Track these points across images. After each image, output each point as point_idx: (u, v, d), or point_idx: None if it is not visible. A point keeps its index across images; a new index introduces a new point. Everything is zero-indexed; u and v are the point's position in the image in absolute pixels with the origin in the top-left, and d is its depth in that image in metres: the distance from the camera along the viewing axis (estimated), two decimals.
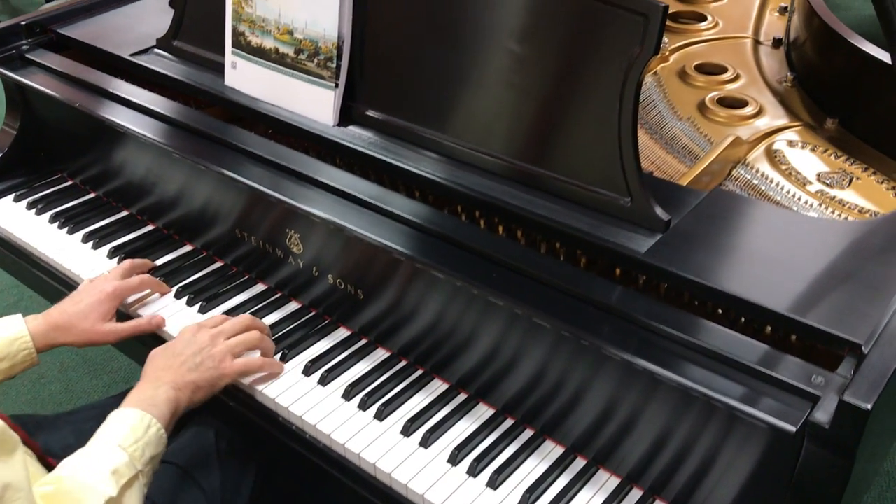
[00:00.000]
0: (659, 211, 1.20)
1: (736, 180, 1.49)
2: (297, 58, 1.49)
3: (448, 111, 1.37)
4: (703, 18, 2.03)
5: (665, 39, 1.86)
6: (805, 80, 1.78)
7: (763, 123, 1.66)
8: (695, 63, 1.83)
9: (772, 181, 1.49)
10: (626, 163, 1.21)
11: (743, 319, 1.14)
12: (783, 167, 1.53)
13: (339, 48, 1.44)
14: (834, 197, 1.45)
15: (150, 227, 1.72)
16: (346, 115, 1.48)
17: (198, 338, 1.32)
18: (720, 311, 1.16)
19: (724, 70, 1.82)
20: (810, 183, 1.49)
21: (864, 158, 1.55)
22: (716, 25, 2.01)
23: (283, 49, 1.51)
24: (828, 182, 1.49)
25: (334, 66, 1.45)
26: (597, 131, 1.23)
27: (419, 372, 1.35)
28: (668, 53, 1.87)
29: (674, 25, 1.99)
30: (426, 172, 1.34)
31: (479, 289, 1.20)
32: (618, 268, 1.23)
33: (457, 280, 1.22)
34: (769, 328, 1.13)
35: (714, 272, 1.13)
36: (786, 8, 2.09)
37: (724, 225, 1.21)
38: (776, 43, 1.94)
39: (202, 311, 1.49)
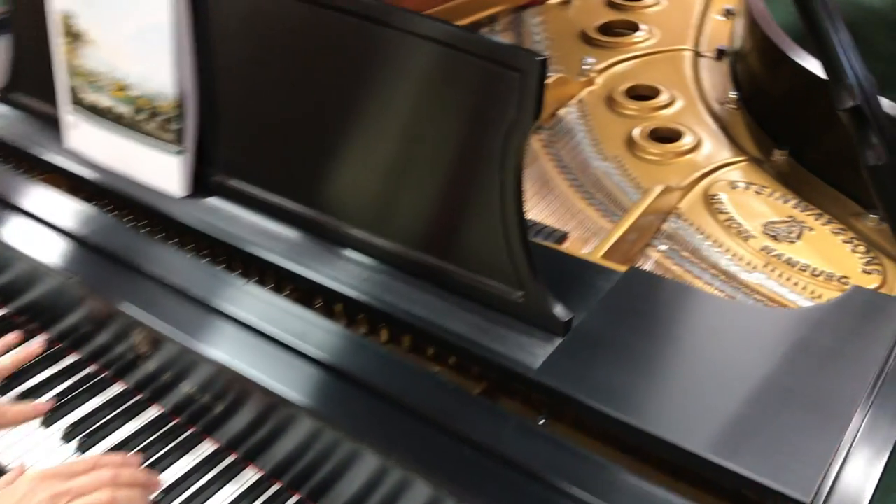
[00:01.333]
0: (559, 310, 0.95)
1: (667, 238, 1.24)
2: (136, 118, 1.23)
3: (313, 182, 1.12)
4: (636, 29, 1.78)
5: (591, 60, 1.61)
6: (750, 101, 1.54)
7: (701, 158, 1.42)
8: (625, 86, 1.59)
9: (708, 237, 1.24)
10: (513, 249, 0.96)
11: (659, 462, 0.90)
12: (723, 217, 1.28)
13: (181, 107, 1.19)
14: (781, 255, 1.21)
15: None
16: (203, 185, 1.23)
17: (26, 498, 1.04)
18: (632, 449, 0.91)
19: (658, 93, 1.57)
20: (754, 237, 1.25)
21: (817, 199, 1.31)
22: (651, 36, 1.76)
23: (121, 108, 1.25)
24: (775, 235, 1.24)
25: (176, 127, 1.20)
26: (476, 211, 0.98)
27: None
28: (595, 75, 1.62)
29: (603, 40, 1.74)
30: (283, 259, 1.09)
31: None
32: (509, 385, 0.99)
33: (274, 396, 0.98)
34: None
35: (621, 397, 0.88)
36: (731, 10, 1.84)
37: (639, 324, 0.97)
38: (719, 54, 1.69)
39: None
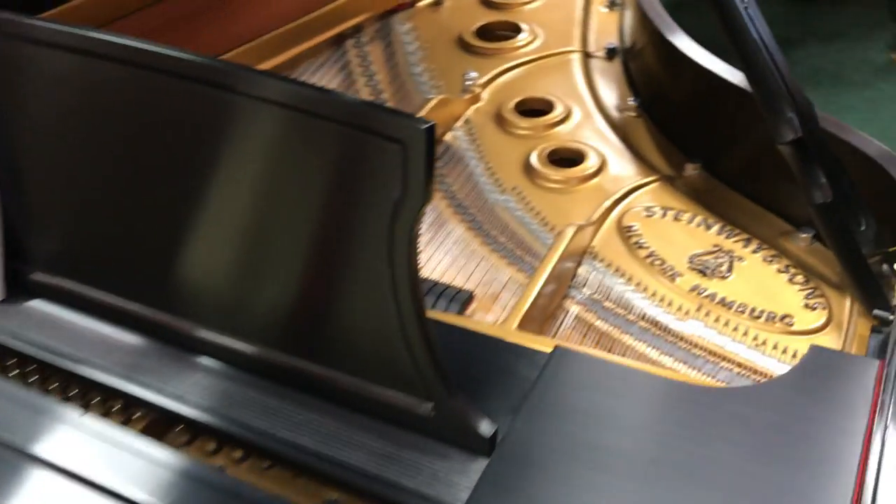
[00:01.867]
0: (480, 424, 0.77)
1: (586, 286, 1.08)
2: None
3: (156, 276, 0.89)
4: (518, 30, 1.60)
5: (473, 73, 1.43)
6: (652, 106, 1.39)
7: (609, 183, 1.26)
8: (514, 101, 1.41)
9: (630, 280, 1.09)
10: (415, 350, 0.77)
11: None
12: (643, 254, 1.13)
13: None
14: (714, 295, 1.06)
15: None
16: (19, 287, 0.98)
17: None
18: None
19: (552, 106, 1.40)
20: (681, 275, 1.10)
21: (741, 220, 1.16)
22: (534, 38, 1.59)
23: None
24: (703, 270, 1.10)
25: None
26: (365, 306, 0.78)
27: None
28: (479, 90, 1.44)
29: (482, 46, 1.56)
30: (123, 380, 0.86)
31: None
32: None
33: None
34: None
35: None
36: (615, 0, 1.69)
37: (576, 428, 0.79)
38: (610, 53, 1.54)
39: None
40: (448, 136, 1.36)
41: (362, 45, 1.58)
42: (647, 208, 1.19)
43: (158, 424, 0.86)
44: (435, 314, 0.97)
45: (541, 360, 0.87)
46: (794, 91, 0.83)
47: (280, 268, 0.81)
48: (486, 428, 0.77)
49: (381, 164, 0.72)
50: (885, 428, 0.76)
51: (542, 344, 0.92)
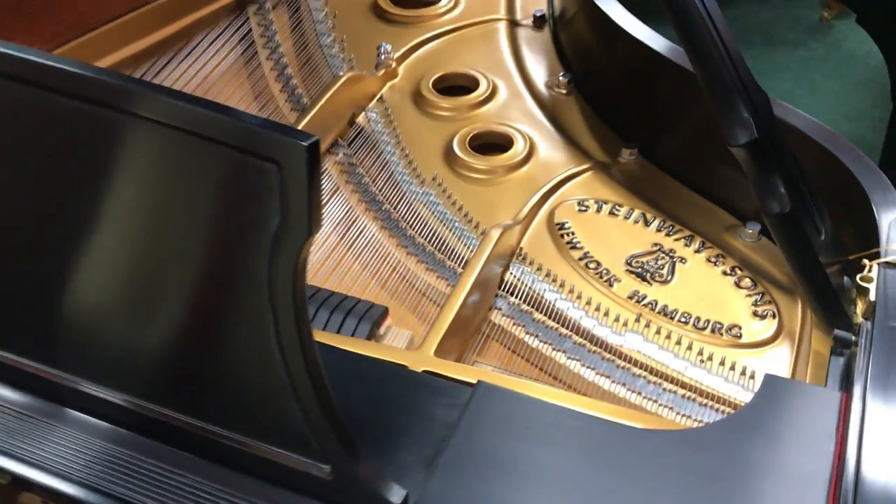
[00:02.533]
0: (388, 489, 0.65)
1: (514, 295, 0.96)
2: None
3: (34, 322, 0.74)
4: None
5: (387, 46, 1.28)
6: (584, 83, 1.26)
7: (538, 170, 1.13)
8: (433, 77, 1.27)
9: (562, 286, 0.97)
10: (306, 405, 0.64)
11: None
12: (576, 255, 1.01)
13: None
14: (655, 304, 0.95)
15: None
16: None
17: None
18: None
19: (475, 83, 1.26)
20: (618, 280, 0.98)
21: (682, 213, 1.05)
22: (455, 5, 1.44)
23: None
24: (642, 274, 0.99)
25: None
26: (246, 350, 0.65)
27: None
28: (395, 65, 1.29)
29: (398, 14, 1.40)
30: None
31: None
32: None
33: None
34: None
35: None
36: None
37: (497, 487, 0.68)
38: (538, 21, 1.40)
39: None
40: (361, 118, 1.21)
41: (265, 11, 1.41)
42: (581, 202, 1.07)
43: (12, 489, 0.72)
44: (340, 341, 0.84)
45: (461, 397, 0.75)
46: (749, 84, 0.71)
47: (161, 310, 0.67)
48: (394, 494, 0.64)
49: (257, 188, 0.58)
50: (857, 472, 0.66)
51: (463, 373, 0.81)
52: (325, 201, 1.09)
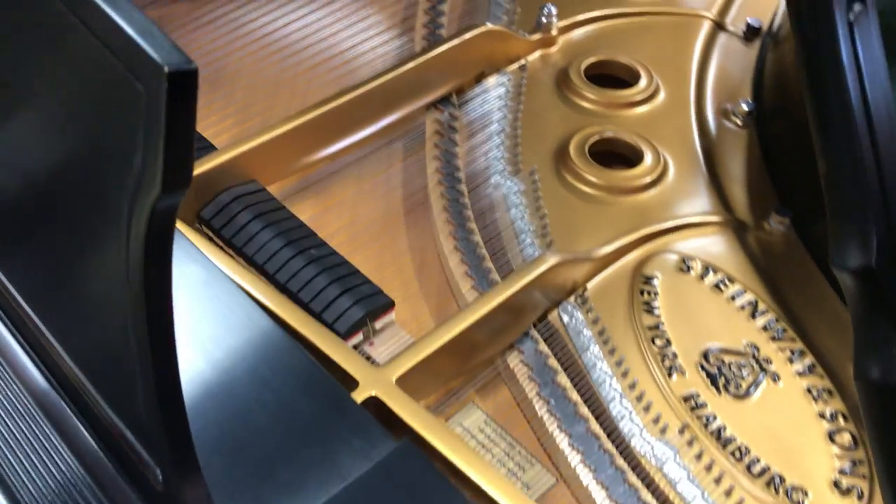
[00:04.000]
0: None
1: (549, 343, 0.75)
2: None
3: None
4: None
5: (552, 9, 1.07)
6: (768, 119, 1.00)
7: (657, 204, 0.90)
8: (590, 60, 1.05)
9: (611, 355, 0.76)
10: (146, 393, 0.50)
11: None
12: (648, 322, 0.78)
13: None
14: (710, 420, 0.71)
15: None
16: None
17: None
18: None
19: (636, 78, 1.04)
20: (682, 372, 0.76)
21: (810, 321, 0.79)
22: None
23: None
24: (717, 378, 0.74)
25: None
26: (104, 296, 0.51)
27: None
28: (556, 33, 1.08)
29: None
30: None
31: None
32: None
33: None
34: None
35: None
36: None
37: None
38: (749, 33, 1.13)
39: None
40: (490, 80, 1.03)
41: None
42: (686, 259, 0.84)
43: None
44: (301, 323, 0.69)
45: (380, 449, 0.58)
46: (891, 188, 0.46)
47: (31, 209, 0.55)
48: None
49: (125, 109, 0.43)
50: None
51: (413, 418, 0.63)
52: (397, 160, 0.94)
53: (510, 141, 0.95)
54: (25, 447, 0.60)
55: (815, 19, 0.51)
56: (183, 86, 0.38)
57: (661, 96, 1.02)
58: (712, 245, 0.86)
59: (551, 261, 0.76)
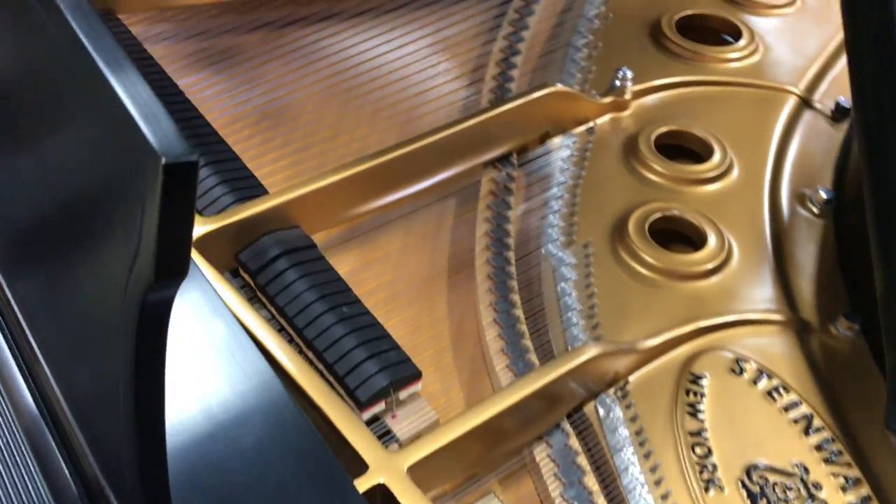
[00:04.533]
0: None
1: (580, 439, 0.70)
2: None
3: None
4: (736, 35, 1.15)
5: (627, 73, 1.02)
6: (848, 210, 0.92)
7: (714, 295, 0.84)
8: (663, 129, 1.00)
9: (646, 459, 0.70)
10: (129, 466, 0.47)
11: None
12: (689, 427, 0.73)
13: None
14: None
15: None
16: None
17: None
18: None
19: (709, 153, 0.98)
20: (720, 488, 0.69)
21: (869, 444, 0.73)
22: (750, 54, 1.13)
23: None
24: (757, 499, 0.68)
25: None
26: (102, 352, 0.49)
27: None
28: (629, 98, 1.03)
29: (679, 44, 1.12)
30: None
31: None
32: None
33: None
34: None
35: None
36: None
37: None
38: (838, 114, 1.06)
39: None
40: (555, 141, 0.98)
41: None
42: (740, 360, 0.77)
43: None
44: (318, 392, 0.66)
45: None
46: None
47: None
48: None
49: (127, 188, 0.40)
50: None
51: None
52: (448, 217, 0.90)
53: (567, 209, 0.90)
54: (4, 475, 0.58)
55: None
56: (181, 178, 0.35)
57: (734, 174, 0.96)
58: (771, 346, 0.79)
59: (594, 351, 0.71)
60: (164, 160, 0.35)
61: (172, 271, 0.38)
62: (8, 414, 0.60)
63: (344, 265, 0.86)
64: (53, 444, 0.57)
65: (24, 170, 0.54)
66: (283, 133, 1.00)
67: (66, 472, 0.56)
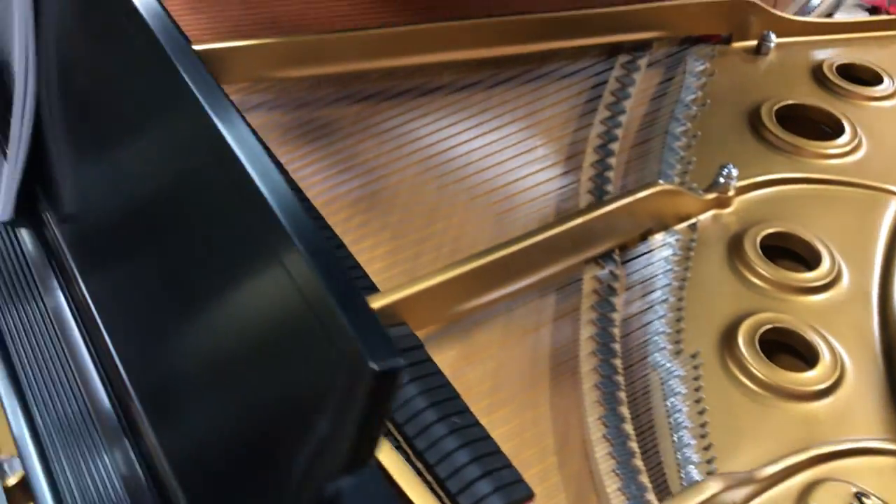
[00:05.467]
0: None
1: None
2: None
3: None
4: (838, 130, 1.12)
5: (732, 171, 1.00)
6: None
7: (826, 419, 0.81)
8: (768, 230, 0.97)
9: None
10: None
11: None
12: None
13: (4, 86, 0.72)
14: None
15: None
16: (30, 213, 0.78)
17: None
18: None
19: (816, 260, 0.95)
20: None
21: None
22: (854, 150, 1.11)
23: None
24: None
25: None
26: None
27: None
28: (733, 194, 1.01)
29: (779, 136, 1.10)
30: None
31: None
32: None
33: None
34: None
35: None
36: None
37: None
38: None
39: None
40: (657, 237, 0.96)
41: (635, 67, 1.19)
42: (861, 495, 0.74)
43: None
44: None
45: None
46: None
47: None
48: None
49: (324, 380, 0.39)
50: None
51: None
52: (548, 313, 0.88)
53: (673, 314, 0.88)
54: (75, 458, 0.60)
55: None
56: (387, 385, 0.34)
57: (844, 283, 0.93)
58: (893, 480, 0.76)
59: (715, 488, 0.68)
60: (375, 367, 0.34)
61: (360, 461, 0.37)
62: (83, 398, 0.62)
63: (443, 362, 0.85)
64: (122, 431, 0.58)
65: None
66: (379, 216, 0.99)
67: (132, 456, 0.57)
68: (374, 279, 0.86)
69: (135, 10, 0.53)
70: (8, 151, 0.74)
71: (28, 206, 0.79)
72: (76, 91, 0.69)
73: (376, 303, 0.79)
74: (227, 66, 1.06)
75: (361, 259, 0.90)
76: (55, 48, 0.70)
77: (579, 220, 0.89)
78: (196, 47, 1.04)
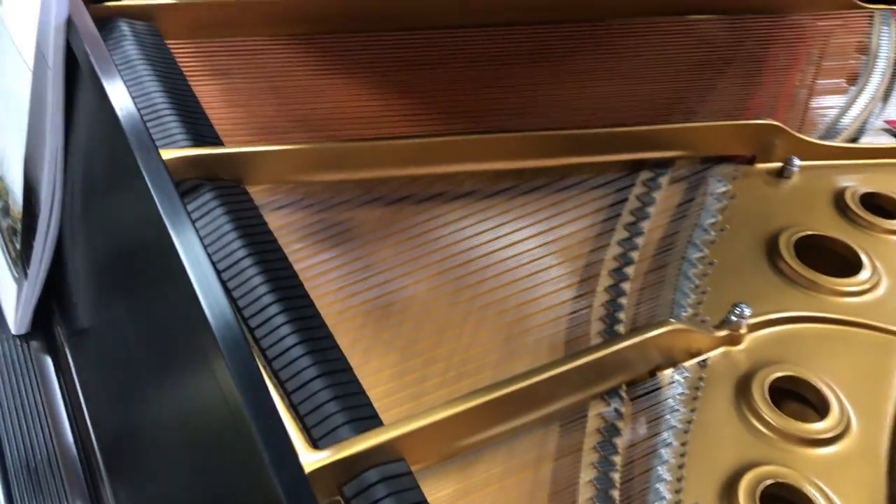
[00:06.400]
0: None
1: None
2: None
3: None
4: (856, 267, 1.11)
5: (746, 311, 0.99)
6: None
7: None
8: (777, 374, 0.96)
9: None
10: None
11: None
12: None
13: (30, 215, 0.74)
14: None
15: None
16: (44, 328, 0.79)
17: None
18: None
19: (825, 409, 0.93)
20: None
21: None
22: (872, 288, 1.09)
23: None
24: None
25: (18, 244, 0.76)
26: None
27: None
28: (743, 333, 1.00)
29: (796, 270, 1.08)
30: None
31: None
32: None
33: None
34: None
35: None
36: None
37: None
38: None
39: None
40: (666, 374, 0.96)
41: (656, 185, 1.20)
42: None
43: None
44: None
45: None
46: None
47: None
48: None
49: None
50: None
51: None
52: (551, 445, 0.87)
53: (675, 459, 0.87)
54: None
55: None
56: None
57: (852, 435, 0.91)
58: None
59: None
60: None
61: None
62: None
63: (440, 491, 0.84)
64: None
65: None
66: (389, 334, 0.99)
67: None
68: (376, 405, 0.86)
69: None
70: (26, 271, 0.76)
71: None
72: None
73: (375, 438, 0.78)
74: (255, 168, 1.08)
75: (366, 383, 0.90)
76: (80, 174, 0.72)
77: (589, 358, 0.89)
78: (226, 150, 1.07)
